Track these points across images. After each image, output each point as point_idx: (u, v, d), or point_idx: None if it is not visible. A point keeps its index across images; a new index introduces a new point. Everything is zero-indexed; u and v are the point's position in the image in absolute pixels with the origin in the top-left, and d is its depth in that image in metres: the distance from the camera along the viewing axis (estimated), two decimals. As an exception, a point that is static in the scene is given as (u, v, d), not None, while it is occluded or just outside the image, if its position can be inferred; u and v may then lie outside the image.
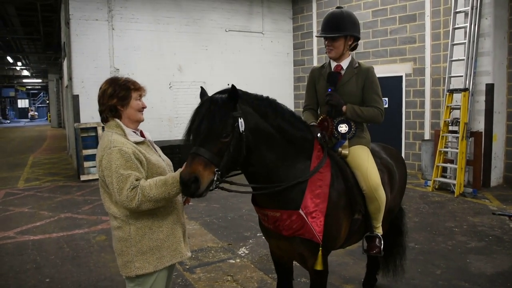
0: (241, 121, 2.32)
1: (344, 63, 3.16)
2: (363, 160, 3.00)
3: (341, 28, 3.07)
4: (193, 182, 2.14)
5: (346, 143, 3.06)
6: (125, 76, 2.50)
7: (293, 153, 2.65)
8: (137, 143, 2.38)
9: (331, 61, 3.22)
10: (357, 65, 3.16)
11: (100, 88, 2.44)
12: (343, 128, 3.09)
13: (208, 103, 2.32)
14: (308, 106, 3.36)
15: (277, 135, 2.55)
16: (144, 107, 2.48)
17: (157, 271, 2.39)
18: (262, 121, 2.49)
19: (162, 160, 2.52)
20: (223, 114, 2.27)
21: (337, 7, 3.25)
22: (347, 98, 3.10)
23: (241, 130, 2.31)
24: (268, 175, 2.55)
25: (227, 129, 2.27)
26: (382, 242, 3.17)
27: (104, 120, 2.45)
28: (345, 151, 3.02)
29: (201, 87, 2.52)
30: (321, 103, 3.27)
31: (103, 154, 2.29)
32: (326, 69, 3.23)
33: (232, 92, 2.31)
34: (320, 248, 2.65)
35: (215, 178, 2.21)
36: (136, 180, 2.24)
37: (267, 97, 2.63)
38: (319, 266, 2.68)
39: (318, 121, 3.16)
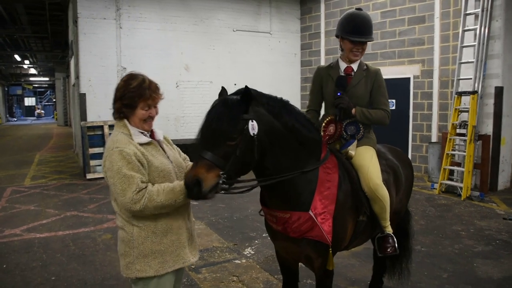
0: (252, 124, 2.26)
1: (355, 65, 3.15)
2: (366, 161, 3.00)
3: (371, 32, 3.12)
4: (195, 185, 2.12)
5: (355, 143, 3.06)
6: (143, 77, 2.37)
7: (305, 155, 2.63)
8: (142, 144, 2.32)
9: (340, 61, 3.20)
10: (365, 67, 3.17)
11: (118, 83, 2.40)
12: (352, 130, 3.11)
13: (219, 105, 2.29)
14: (312, 108, 3.35)
15: (290, 137, 2.53)
16: (151, 116, 2.38)
17: (161, 275, 2.33)
18: (276, 122, 2.45)
19: (170, 162, 2.43)
20: (232, 117, 2.21)
21: (357, 9, 3.21)
22: (356, 100, 3.11)
23: (251, 133, 2.26)
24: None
25: (234, 132, 2.21)
26: (395, 240, 3.16)
27: (115, 117, 2.42)
28: (352, 152, 3.03)
29: (222, 87, 2.45)
30: (328, 105, 3.25)
31: (107, 155, 2.26)
32: (335, 71, 3.20)
33: (245, 94, 2.27)
34: (330, 249, 2.65)
35: (220, 181, 2.17)
36: (142, 182, 2.20)
37: (281, 98, 2.59)
38: (331, 266, 2.70)
39: (325, 122, 3.16)
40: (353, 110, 3.05)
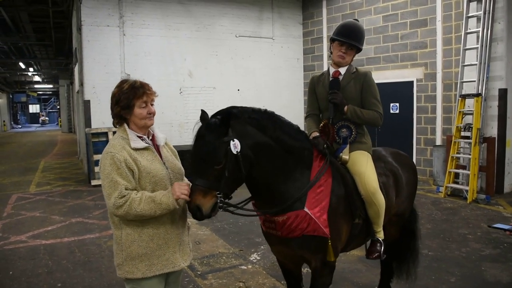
0: (234, 143, 2.38)
1: (342, 69, 3.24)
2: (362, 166, 3.05)
3: (360, 41, 3.20)
4: (197, 210, 2.33)
5: (347, 148, 3.11)
6: (134, 79, 2.47)
7: (292, 164, 2.71)
8: (138, 149, 2.39)
9: (330, 67, 3.30)
10: (354, 70, 3.24)
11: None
12: (344, 132, 3.16)
13: (202, 132, 2.41)
14: (311, 112, 3.42)
15: (276, 147, 2.62)
16: (150, 113, 2.44)
17: (148, 278, 2.40)
18: (261, 135, 2.56)
19: (165, 168, 2.47)
20: (214, 143, 2.34)
21: (354, 19, 3.36)
22: (347, 101, 3.16)
23: (235, 152, 2.38)
24: (268, 185, 2.63)
25: (219, 157, 2.34)
26: (383, 246, 3.19)
27: (115, 124, 2.51)
28: (345, 156, 3.08)
29: (202, 110, 2.52)
30: (322, 109, 3.33)
31: (102, 157, 2.38)
32: (325, 76, 3.30)
33: (224, 118, 2.38)
34: (329, 241, 2.71)
35: (218, 201, 2.36)
36: (126, 189, 2.29)
37: (265, 110, 2.68)
38: (332, 257, 2.76)
39: (320, 127, 3.21)
40: (346, 108, 3.10)
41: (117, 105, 2.40)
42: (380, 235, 3.16)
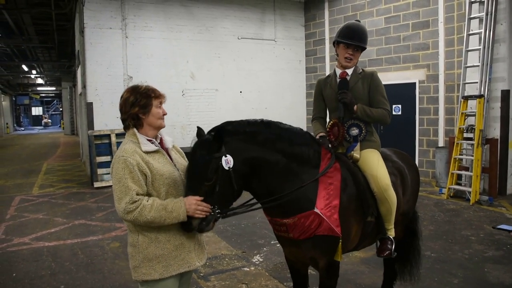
0: (226, 159, 2.41)
1: (349, 70, 3.27)
2: (373, 163, 3.08)
3: (365, 41, 3.24)
4: (186, 224, 2.37)
5: (358, 146, 3.15)
6: (145, 84, 2.52)
7: (297, 167, 2.71)
8: (149, 152, 2.41)
9: (336, 69, 3.33)
10: (361, 70, 3.28)
11: (122, 97, 2.47)
12: (354, 131, 3.19)
13: (196, 148, 2.45)
14: (317, 115, 3.46)
15: (277, 156, 2.62)
16: (165, 114, 2.53)
17: (164, 279, 2.41)
18: (257, 148, 2.56)
19: (176, 170, 2.51)
20: (205, 160, 2.37)
21: (356, 20, 3.39)
22: (356, 101, 3.19)
23: (226, 168, 2.40)
24: (272, 192, 2.64)
25: (210, 174, 2.37)
26: (394, 244, 3.20)
27: (127, 128, 2.49)
28: (356, 155, 3.11)
29: (198, 127, 2.57)
30: (330, 110, 3.37)
31: (114, 162, 2.38)
32: (332, 78, 3.33)
33: (218, 135, 2.41)
34: (340, 241, 2.71)
35: (212, 213, 2.38)
36: (137, 194, 2.29)
37: (262, 120, 2.69)
38: (339, 258, 2.76)
39: (329, 126, 3.26)
40: (355, 107, 3.14)
41: (135, 105, 2.41)
42: (391, 233, 3.18)
